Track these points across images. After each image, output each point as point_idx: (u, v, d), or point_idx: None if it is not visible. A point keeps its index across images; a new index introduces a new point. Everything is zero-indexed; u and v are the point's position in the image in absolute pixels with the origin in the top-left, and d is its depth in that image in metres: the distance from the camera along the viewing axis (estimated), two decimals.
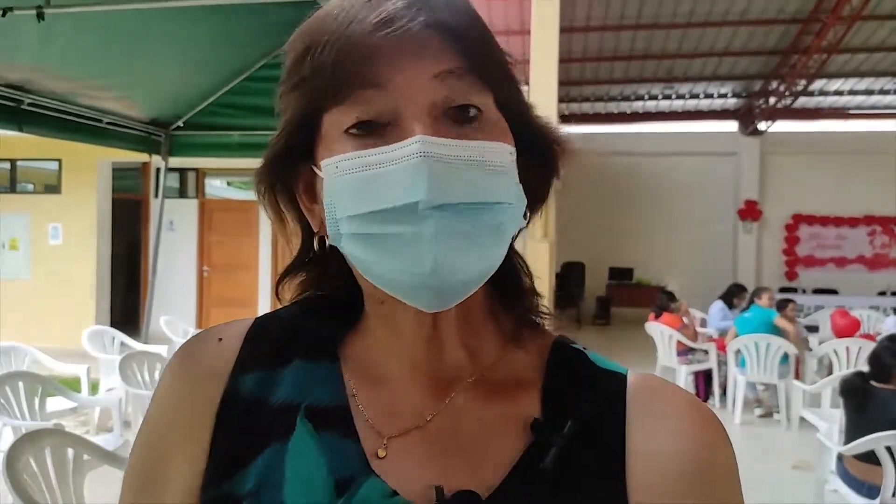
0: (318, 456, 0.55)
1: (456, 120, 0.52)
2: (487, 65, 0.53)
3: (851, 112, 13.10)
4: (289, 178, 0.58)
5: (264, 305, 9.53)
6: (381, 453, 0.56)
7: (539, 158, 0.59)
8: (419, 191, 0.48)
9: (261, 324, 0.64)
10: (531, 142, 0.58)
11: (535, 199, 0.60)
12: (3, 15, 3.39)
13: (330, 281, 0.63)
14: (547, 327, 0.63)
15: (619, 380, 0.59)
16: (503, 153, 0.53)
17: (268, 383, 0.59)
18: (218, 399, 0.59)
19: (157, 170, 7.65)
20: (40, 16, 3.38)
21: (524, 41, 6.87)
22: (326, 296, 0.64)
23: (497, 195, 0.51)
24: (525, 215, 0.56)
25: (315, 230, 0.59)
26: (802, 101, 12.38)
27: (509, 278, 0.61)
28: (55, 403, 4.12)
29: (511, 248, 0.60)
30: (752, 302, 6.50)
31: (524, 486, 0.54)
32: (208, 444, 0.58)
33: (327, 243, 0.57)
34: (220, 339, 0.62)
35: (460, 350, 0.59)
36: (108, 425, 4.64)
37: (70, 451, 2.65)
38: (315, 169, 0.55)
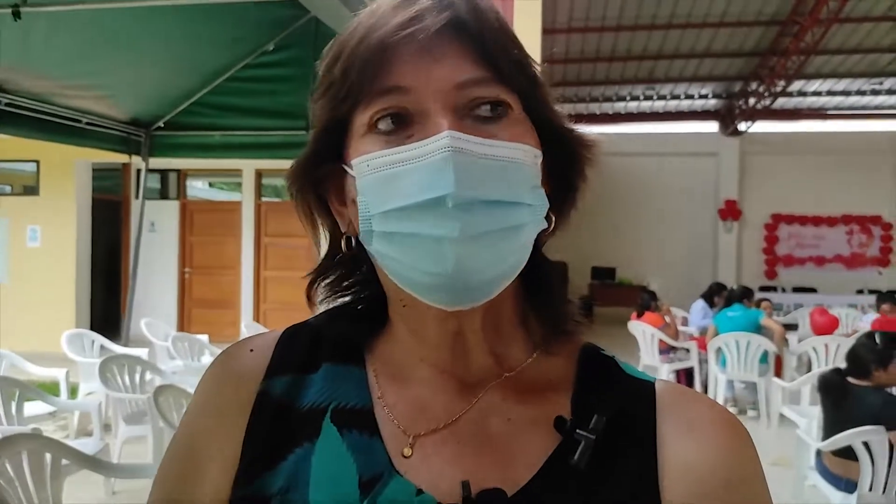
0: (343, 456, 0.56)
1: (481, 118, 0.52)
2: (513, 70, 0.54)
3: (830, 112, 13.29)
4: (319, 180, 0.59)
5: (247, 307, 9.47)
6: (407, 452, 0.56)
7: (565, 163, 0.59)
8: (447, 184, 0.48)
9: (291, 332, 0.66)
10: (558, 146, 0.58)
11: (564, 203, 0.61)
12: None
13: (357, 284, 0.64)
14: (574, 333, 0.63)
15: (648, 386, 0.59)
16: (528, 154, 0.53)
17: (297, 387, 0.61)
18: (251, 403, 0.61)
19: (138, 171, 7.57)
20: (16, 14, 3.34)
21: None
22: (354, 303, 0.65)
23: (520, 196, 0.52)
24: (549, 218, 0.57)
25: (343, 230, 0.60)
26: (781, 102, 12.54)
27: (541, 286, 0.61)
28: (33, 408, 4.07)
29: (542, 255, 0.61)
30: (731, 301, 6.56)
31: (553, 483, 0.54)
32: (241, 445, 0.59)
33: (353, 244, 0.59)
34: (252, 350, 0.64)
35: (487, 357, 0.59)
36: (88, 429, 4.59)
37: (48, 456, 2.61)
38: (346, 168, 0.56)
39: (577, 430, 0.55)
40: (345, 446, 0.57)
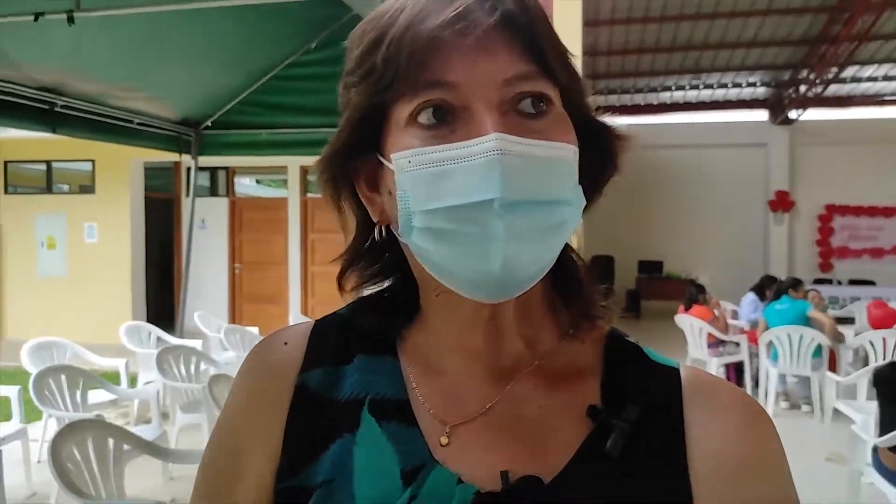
0: (384, 447, 0.58)
1: (525, 114, 0.52)
2: (556, 64, 0.54)
3: (886, 99, 12.78)
4: (350, 168, 0.59)
5: (294, 300, 9.65)
6: (444, 441, 0.58)
7: (598, 155, 0.60)
8: (494, 188, 0.49)
9: (322, 324, 0.67)
10: (591, 138, 0.59)
11: (592, 194, 0.61)
12: (35, 19, 3.49)
13: (387, 271, 0.65)
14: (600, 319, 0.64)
15: (673, 372, 0.61)
16: (570, 151, 0.54)
17: (333, 379, 0.62)
18: (289, 396, 0.62)
19: (188, 169, 7.78)
20: (70, 19, 3.47)
21: None
22: (383, 293, 0.66)
23: (563, 194, 0.53)
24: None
25: (375, 220, 0.60)
26: (834, 89, 12.11)
27: (567, 272, 0.62)
28: (96, 396, 4.25)
29: (567, 246, 0.61)
30: (780, 293, 6.40)
31: (588, 469, 0.55)
32: (281, 438, 0.61)
33: (384, 233, 0.60)
34: (286, 343, 0.65)
35: (518, 341, 0.60)
36: (147, 417, 4.76)
37: (111, 441, 2.73)
38: (383, 161, 0.55)
39: (613, 420, 0.56)
40: (385, 437, 0.58)
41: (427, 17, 0.51)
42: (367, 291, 0.66)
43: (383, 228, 0.59)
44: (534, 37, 0.53)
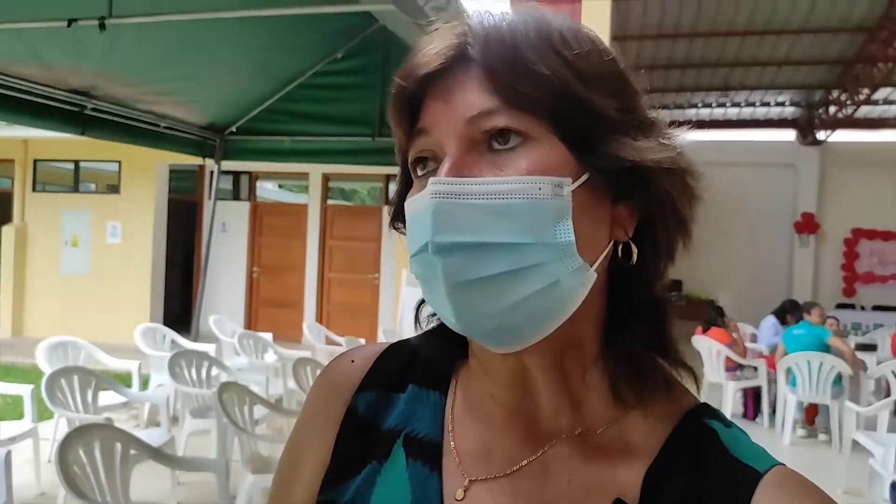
0: (402, 484, 0.57)
1: (496, 150, 0.50)
2: (533, 96, 0.49)
3: None
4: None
5: (310, 307, 9.69)
6: (459, 495, 0.56)
7: (638, 187, 0.53)
8: (426, 232, 0.48)
9: (391, 349, 0.68)
10: (628, 169, 0.51)
11: (655, 233, 0.56)
12: (69, 25, 3.55)
13: None
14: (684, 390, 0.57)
15: (751, 475, 0.51)
16: (534, 187, 0.48)
17: (382, 405, 0.63)
18: (342, 414, 0.64)
19: (212, 172, 7.86)
20: (102, 26, 3.52)
21: None
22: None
23: (518, 235, 0.48)
24: (629, 252, 0.54)
25: None
26: (865, 111, 11.90)
27: (627, 329, 0.55)
28: (108, 397, 4.28)
29: (639, 294, 0.56)
30: (801, 318, 6.29)
31: None
32: (331, 454, 0.63)
33: None
34: (353, 361, 0.67)
35: (558, 398, 0.55)
36: (157, 420, 4.79)
37: (118, 446, 2.75)
38: None
39: None
40: (407, 475, 0.58)
41: (406, 76, 0.53)
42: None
43: None
44: (496, 71, 0.50)
